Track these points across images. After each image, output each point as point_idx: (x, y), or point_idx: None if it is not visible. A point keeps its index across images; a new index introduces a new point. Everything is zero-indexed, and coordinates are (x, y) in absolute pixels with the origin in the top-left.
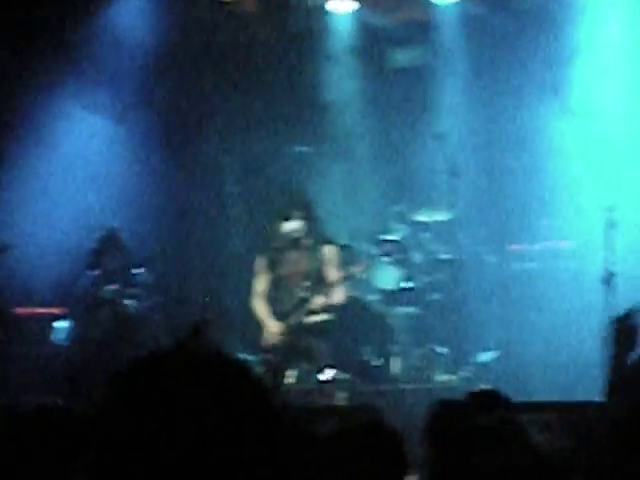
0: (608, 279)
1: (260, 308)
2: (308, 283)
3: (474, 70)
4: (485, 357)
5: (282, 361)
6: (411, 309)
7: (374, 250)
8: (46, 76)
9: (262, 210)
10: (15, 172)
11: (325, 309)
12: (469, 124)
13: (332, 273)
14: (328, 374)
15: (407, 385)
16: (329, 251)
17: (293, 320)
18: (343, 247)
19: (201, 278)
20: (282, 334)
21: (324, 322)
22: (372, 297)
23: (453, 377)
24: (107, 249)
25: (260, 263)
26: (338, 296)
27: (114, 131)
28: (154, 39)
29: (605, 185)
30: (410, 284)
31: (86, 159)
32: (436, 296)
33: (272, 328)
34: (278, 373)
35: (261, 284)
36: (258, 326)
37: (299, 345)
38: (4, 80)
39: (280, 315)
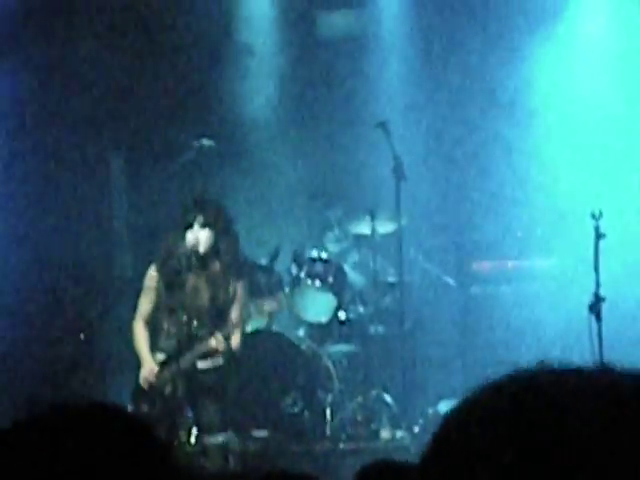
0: (595, 304)
1: (141, 337)
2: (205, 318)
3: (424, 42)
4: (443, 406)
5: (169, 416)
6: (348, 346)
7: (299, 271)
8: None
9: (156, 220)
10: None
11: (224, 351)
12: (418, 110)
13: (236, 312)
14: (217, 436)
15: (344, 444)
16: (241, 285)
17: (185, 361)
18: (258, 267)
19: (76, 309)
20: (167, 381)
21: (220, 367)
22: (298, 331)
23: (402, 433)
24: None
25: (151, 278)
26: (237, 340)
27: None
28: None
29: (591, 189)
30: (347, 314)
31: None
32: (380, 329)
33: (151, 371)
34: (166, 431)
35: (147, 303)
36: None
37: (189, 396)
38: None
39: (166, 354)
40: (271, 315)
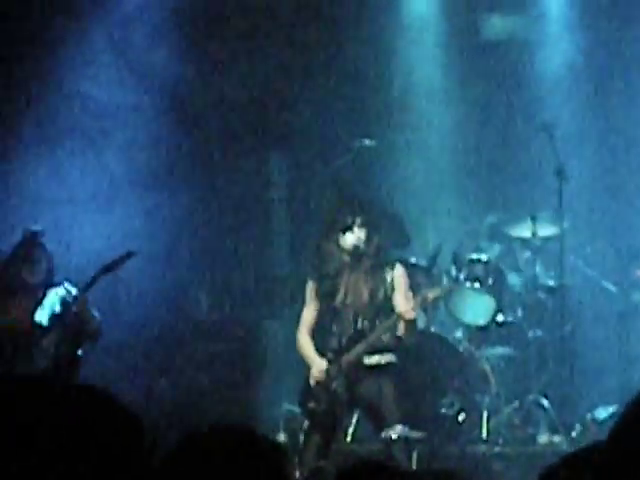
0: None
1: (305, 343)
2: (370, 313)
3: (588, 45)
4: (602, 413)
5: (332, 413)
6: (506, 349)
7: (459, 273)
8: None
9: (315, 220)
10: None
11: (392, 347)
12: (582, 113)
13: (401, 300)
14: (395, 431)
15: (501, 448)
16: (398, 272)
17: (349, 359)
18: (417, 268)
19: (237, 310)
20: (333, 377)
21: (390, 364)
22: (455, 333)
23: (560, 438)
24: None
25: (311, 288)
26: (409, 330)
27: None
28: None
29: None
30: (505, 317)
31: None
32: (539, 333)
33: (320, 369)
34: (327, 429)
35: (309, 313)
36: (304, 367)
37: (357, 392)
38: None
39: (333, 352)
40: (434, 301)
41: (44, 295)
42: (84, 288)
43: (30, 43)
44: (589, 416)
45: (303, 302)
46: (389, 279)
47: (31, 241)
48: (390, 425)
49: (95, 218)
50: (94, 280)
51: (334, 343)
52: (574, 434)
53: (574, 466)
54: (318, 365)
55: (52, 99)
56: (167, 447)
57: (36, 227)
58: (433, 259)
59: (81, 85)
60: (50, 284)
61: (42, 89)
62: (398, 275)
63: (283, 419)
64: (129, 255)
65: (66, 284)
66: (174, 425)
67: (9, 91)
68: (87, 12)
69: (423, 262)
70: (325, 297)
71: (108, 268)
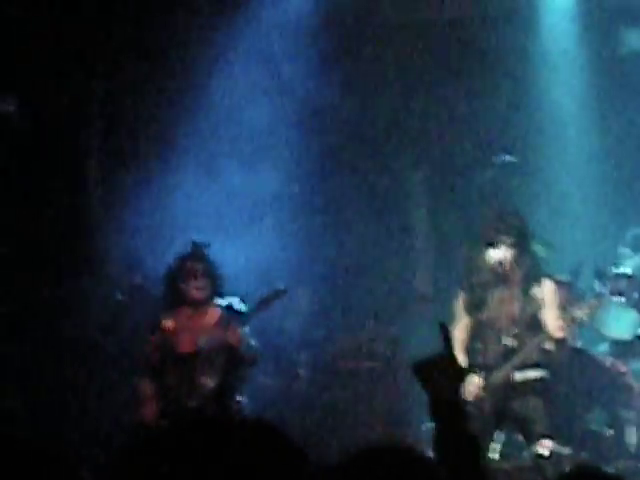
0: None
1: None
2: (518, 329)
3: None
4: None
5: (483, 428)
6: None
7: (603, 287)
8: None
9: (458, 235)
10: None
11: (541, 363)
12: None
13: (551, 318)
14: (546, 446)
15: None
16: (548, 289)
17: (499, 374)
18: (561, 284)
19: (380, 325)
20: (484, 395)
21: (539, 380)
22: (601, 348)
23: None
24: None
25: (458, 304)
26: (558, 347)
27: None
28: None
29: None
30: None
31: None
32: None
33: (475, 384)
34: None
35: (461, 329)
36: None
37: (506, 408)
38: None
39: (482, 369)
40: (582, 322)
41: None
42: (238, 323)
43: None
44: None
45: (447, 319)
46: (538, 295)
47: (196, 255)
48: (539, 441)
49: (246, 236)
50: (249, 316)
51: (479, 359)
52: None
53: None
54: (473, 382)
55: (208, 116)
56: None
57: (201, 240)
58: (576, 274)
59: (236, 103)
60: (219, 296)
61: (195, 105)
62: (548, 292)
63: (425, 438)
64: (281, 292)
65: (231, 299)
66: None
67: (165, 109)
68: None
69: (566, 277)
70: (473, 310)
71: (260, 307)
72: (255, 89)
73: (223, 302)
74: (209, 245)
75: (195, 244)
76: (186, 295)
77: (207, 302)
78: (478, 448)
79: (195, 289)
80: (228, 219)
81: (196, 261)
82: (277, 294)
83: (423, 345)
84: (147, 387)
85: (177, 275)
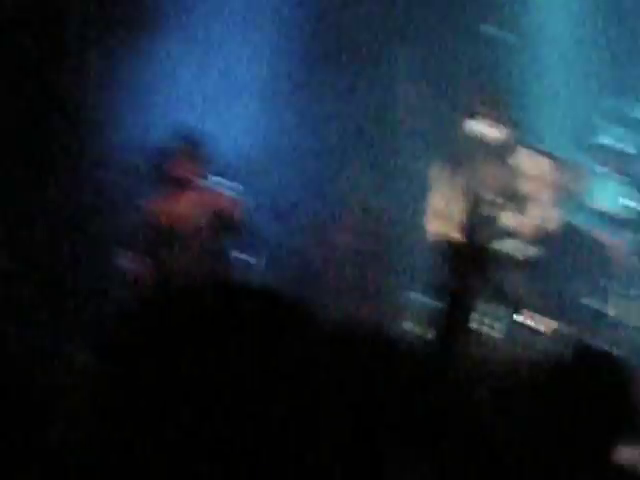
0: None
1: (437, 229)
2: (499, 199)
3: None
4: None
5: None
6: (636, 235)
7: (585, 159)
8: None
9: (440, 106)
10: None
11: (524, 234)
12: None
13: (529, 185)
14: (526, 315)
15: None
16: (525, 158)
17: (479, 243)
18: (543, 153)
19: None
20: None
21: (518, 249)
22: (585, 219)
23: None
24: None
25: (436, 171)
26: (550, 218)
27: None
28: None
29: None
30: (635, 202)
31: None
32: None
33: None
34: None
35: (438, 199)
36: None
37: (484, 277)
38: None
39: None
40: (565, 188)
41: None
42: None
43: None
44: None
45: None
46: (517, 165)
47: (187, 139)
48: (517, 310)
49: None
50: None
51: (461, 229)
52: None
53: None
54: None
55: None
56: None
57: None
58: (558, 147)
59: None
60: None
61: None
62: (527, 161)
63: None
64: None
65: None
66: None
67: None
68: None
69: (548, 149)
70: (451, 180)
71: None
72: None
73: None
74: (195, 127)
75: (181, 126)
76: (177, 179)
77: (197, 186)
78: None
79: (185, 172)
80: (215, 99)
81: (187, 145)
82: None
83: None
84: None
85: (165, 157)
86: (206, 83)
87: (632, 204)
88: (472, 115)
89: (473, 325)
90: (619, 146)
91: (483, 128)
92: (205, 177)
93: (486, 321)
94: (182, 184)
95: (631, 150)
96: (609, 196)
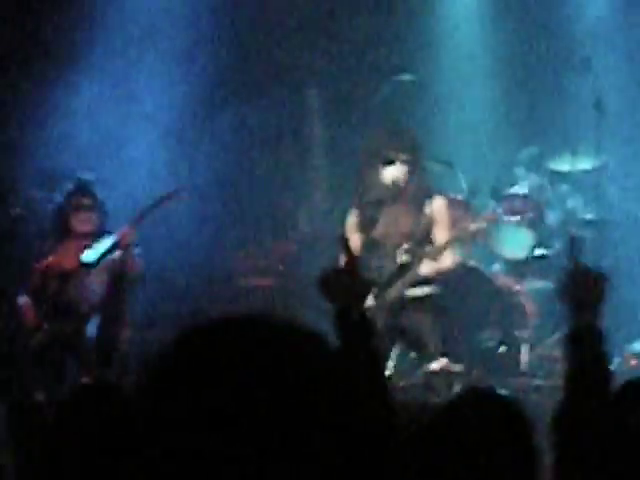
0: None
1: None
2: (411, 245)
3: None
4: (638, 345)
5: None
6: (546, 283)
7: (497, 207)
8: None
9: (353, 153)
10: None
11: (433, 279)
12: (620, 47)
13: (442, 232)
14: (437, 364)
15: (541, 380)
16: (439, 205)
17: (392, 291)
18: (456, 202)
19: (275, 245)
20: (377, 310)
21: (430, 295)
22: (495, 267)
23: None
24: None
25: (352, 219)
26: (449, 262)
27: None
28: None
29: None
30: (544, 251)
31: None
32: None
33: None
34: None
35: (353, 244)
36: None
37: (399, 325)
38: None
39: (375, 285)
40: (475, 236)
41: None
42: (131, 222)
43: None
44: (628, 348)
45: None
46: (429, 212)
47: (82, 190)
48: (432, 358)
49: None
50: (141, 216)
51: (375, 275)
52: (613, 366)
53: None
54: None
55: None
56: None
57: (87, 175)
58: (472, 193)
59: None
60: (104, 232)
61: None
62: (438, 207)
63: None
64: (176, 193)
65: (117, 232)
66: None
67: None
68: None
69: (461, 197)
70: (365, 228)
71: (156, 204)
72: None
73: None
74: (95, 181)
75: (81, 180)
76: (72, 227)
77: (94, 235)
78: (381, 359)
79: (81, 222)
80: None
81: (83, 196)
82: (171, 195)
83: (317, 261)
84: (27, 301)
85: (66, 207)
86: (110, 123)
87: (538, 252)
88: (389, 161)
89: (386, 372)
90: (533, 196)
91: (396, 173)
92: (102, 227)
93: (398, 367)
94: (82, 236)
95: (542, 199)
96: (519, 244)
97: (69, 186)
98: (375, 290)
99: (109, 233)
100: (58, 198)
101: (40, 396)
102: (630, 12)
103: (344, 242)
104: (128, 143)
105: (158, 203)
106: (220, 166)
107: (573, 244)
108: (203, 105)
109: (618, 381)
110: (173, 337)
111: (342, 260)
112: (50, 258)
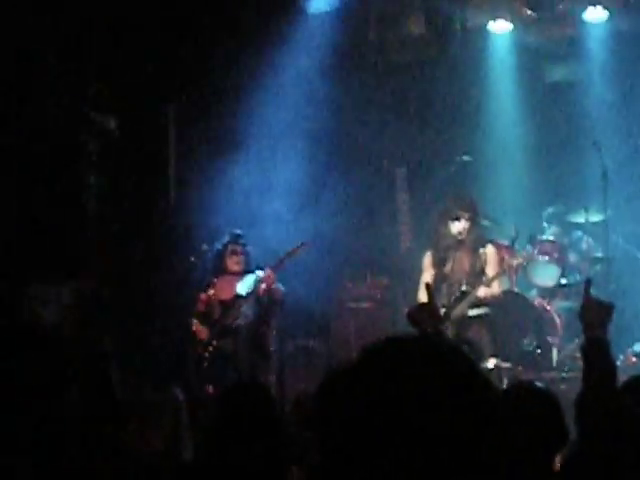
0: None
1: (423, 296)
2: (470, 278)
3: (621, 81)
4: (638, 347)
5: None
6: (567, 303)
7: (533, 249)
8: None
9: (430, 213)
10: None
11: (486, 302)
12: (623, 135)
13: (492, 268)
14: (492, 362)
15: (566, 373)
16: (490, 250)
17: (457, 312)
18: (503, 247)
19: (373, 279)
20: (446, 326)
21: (486, 314)
22: (532, 292)
23: None
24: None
25: (428, 259)
26: (498, 291)
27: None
28: (325, 55)
29: None
30: (567, 280)
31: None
32: (592, 291)
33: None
34: None
35: (427, 278)
36: None
37: (463, 335)
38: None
39: (444, 308)
40: (517, 269)
41: (244, 277)
42: (272, 267)
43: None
44: (629, 350)
45: (420, 271)
46: (483, 254)
47: (235, 240)
48: (487, 358)
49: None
50: (280, 262)
51: (444, 300)
52: (618, 363)
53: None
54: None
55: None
56: None
57: (238, 231)
58: (514, 239)
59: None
60: (249, 271)
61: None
62: (490, 252)
63: None
64: (303, 245)
65: (258, 271)
66: None
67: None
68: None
69: (506, 241)
70: (438, 265)
71: (289, 254)
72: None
73: (253, 274)
74: (243, 234)
75: (233, 233)
76: (228, 267)
77: (242, 273)
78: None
79: (234, 263)
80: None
81: (236, 244)
82: (300, 246)
83: (403, 290)
84: (198, 324)
85: (223, 252)
86: (255, 195)
87: (563, 281)
88: (456, 218)
89: None
90: (558, 241)
91: (461, 227)
92: (248, 267)
93: None
94: (234, 274)
95: (564, 243)
96: (549, 276)
97: (226, 237)
98: (444, 310)
99: (252, 272)
100: (217, 246)
101: (210, 390)
102: (629, 99)
103: (427, 286)
104: (267, 206)
105: (291, 253)
106: (333, 225)
107: (587, 282)
108: (320, 180)
109: (622, 375)
110: (363, 351)
111: (423, 296)
112: (211, 290)
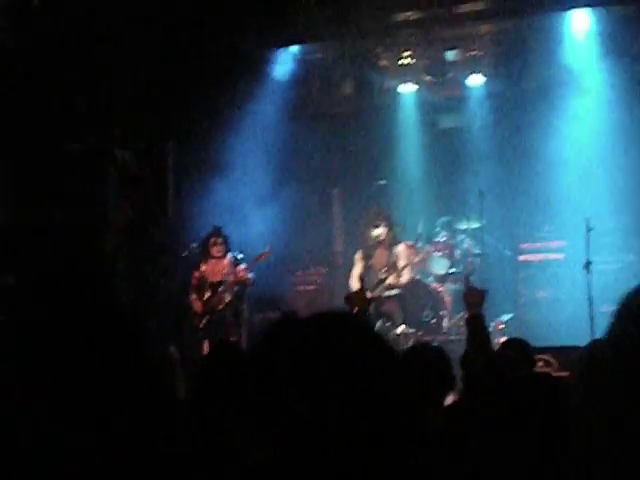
0: (587, 266)
1: (356, 285)
2: (387, 269)
3: (498, 128)
4: (504, 317)
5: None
6: (455, 286)
7: (430, 247)
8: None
9: (358, 221)
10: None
11: (398, 286)
12: (495, 165)
13: (402, 262)
14: (401, 329)
15: (454, 336)
16: (400, 248)
17: (376, 293)
18: (408, 245)
19: (315, 268)
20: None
21: (397, 295)
22: (429, 279)
23: None
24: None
25: (358, 255)
26: (405, 278)
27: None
28: (283, 107)
29: (585, 199)
30: (454, 270)
31: None
32: (471, 278)
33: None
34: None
35: (358, 269)
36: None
37: (380, 310)
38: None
39: (368, 290)
40: (419, 262)
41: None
42: (246, 267)
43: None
44: (497, 319)
45: (352, 264)
46: (395, 252)
47: (217, 232)
48: (398, 326)
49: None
50: (252, 263)
51: (369, 286)
52: (490, 329)
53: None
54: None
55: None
56: None
57: (218, 225)
58: (416, 240)
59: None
60: (229, 250)
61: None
62: (401, 250)
63: None
64: (267, 252)
65: (236, 253)
66: None
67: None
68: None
69: (412, 242)
70: (365, 260)
71: (257, 258)
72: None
73: (230, 255)
74: (222, 227)
75: (216, 227)
76: (211, 253)
77: (223, 257)
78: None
79: (216, 251)
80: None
81: (217, 235)
82: (265, 253)
83: (338, 279)
84: (194, 297)
85: (207, 242)
86: (233, 200)
87: (451, 270)
88: (376, 225)
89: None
90: (447, 241)
91: (380, 232)
92: (227, 253)
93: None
94: (215, 257)
95: (452, 243)
96: (440, 266)
97: (209, 230)
98: (370, 294)
99: (233, 253)
100: (203, 237)
101: (205, 348)
102: (501, 139)
103: (360, 278)
104: (238, 212)
105: (259, 257)
106: (287, 227)
107: (467, 277)
108: (278, 194)
109: (493, 337)
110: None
111: (355, 283)
112: (203, 267)
